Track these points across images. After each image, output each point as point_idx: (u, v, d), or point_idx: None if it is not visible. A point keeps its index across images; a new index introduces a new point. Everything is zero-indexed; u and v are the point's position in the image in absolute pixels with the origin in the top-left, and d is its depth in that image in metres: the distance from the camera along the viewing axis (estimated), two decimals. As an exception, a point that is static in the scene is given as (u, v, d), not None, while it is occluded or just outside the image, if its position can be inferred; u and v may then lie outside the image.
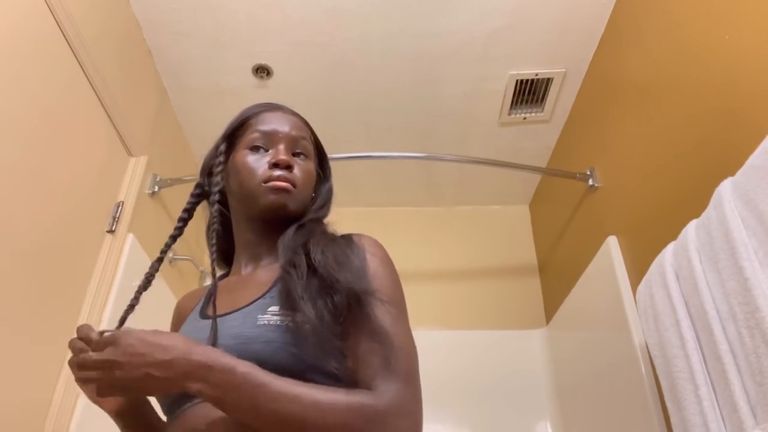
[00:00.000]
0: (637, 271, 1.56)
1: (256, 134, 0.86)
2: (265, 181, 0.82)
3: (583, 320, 1.93)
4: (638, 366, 1.45)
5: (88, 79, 1.63)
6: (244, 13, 1.89)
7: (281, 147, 0.85)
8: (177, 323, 0.91)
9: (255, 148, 0.85)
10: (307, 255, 0.74)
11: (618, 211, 1.77)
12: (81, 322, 1.52)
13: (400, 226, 2.67)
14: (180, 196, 2.18)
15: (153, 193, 1.97)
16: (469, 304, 2.44)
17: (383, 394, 0.64)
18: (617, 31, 1.86)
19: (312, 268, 0.72)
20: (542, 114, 2.25)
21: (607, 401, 1.69)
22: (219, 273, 0.89)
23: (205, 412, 0.66)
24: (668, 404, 1.11)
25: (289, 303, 0.70)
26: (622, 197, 1.76)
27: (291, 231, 0.81)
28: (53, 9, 1.46)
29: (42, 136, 1.42)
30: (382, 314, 0.70)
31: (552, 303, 2.31)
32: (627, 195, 1.72)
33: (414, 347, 0.72)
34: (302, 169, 0.86)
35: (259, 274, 0.81)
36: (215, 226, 0.84)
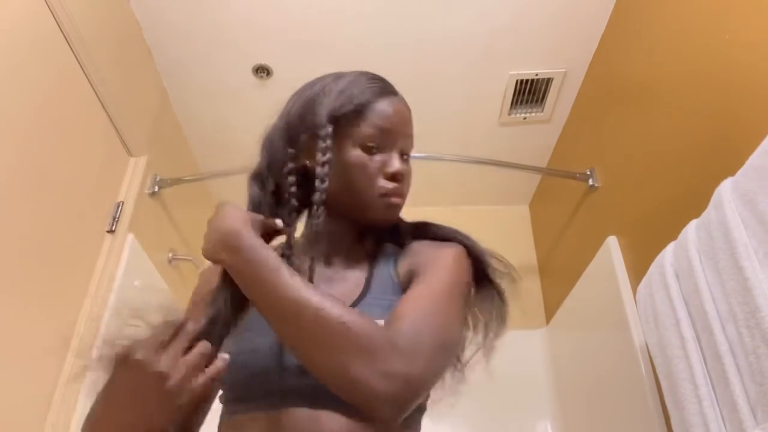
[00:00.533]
0: (637, 271, 1.56)
1: (372, 132, 0.77)
2: (382, 195, 0.77)
3: (583, 320, 1.93)
4: (638, 366, 1.45)
5: (87, 79, 1.63)
6: (244, 13, 1.89)
7: (396, 154, 0.79)
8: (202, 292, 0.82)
9: (368, 148, 0.77)
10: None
11: (618, 211, 1.77)
12: (81, 322, 1.53)
13: (400, 226, 2.66)
14: (180, 196, 2.18)
15: (153, 193, 1.97)
16: (469, 304, 2.43)
17: (409, 335, 0.63)
18: (617, 31, 1.86)
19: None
20: (542, 114, 2.24)
21: (607, 401, 1.69)
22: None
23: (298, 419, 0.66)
24: (668, 404, 1.11)
25: None
26: (622, 197, 1.76)
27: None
28: (53, 9, 1.46)
29: (42, 136, 1.42)
30: (446, 282, 0.72)
31: (552, 303, 2.31)
32: (627, 195, 1.72)
33: (456, 330, 0.72)
34: (407, 175, 0.81)
35: (345, 270, 0.80)
36: (320, 224, 0.73)
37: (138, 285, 1.76)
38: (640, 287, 1.27)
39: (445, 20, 1.92)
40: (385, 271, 0.80)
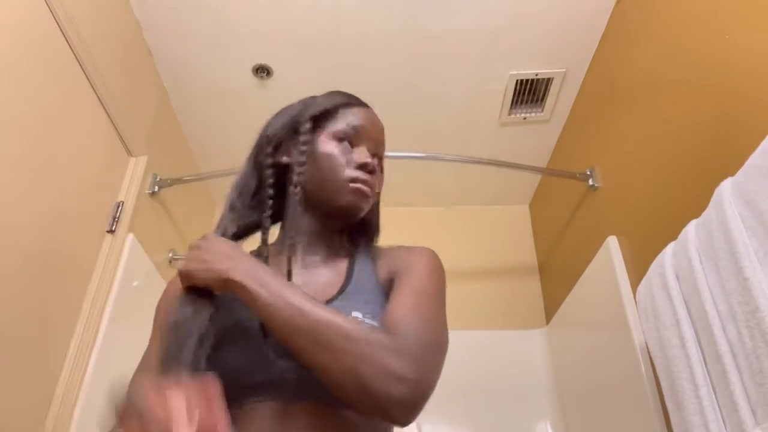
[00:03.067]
0: (637, 271, 1.56)
1: (347, 127, 0.85)
2: (351, 181, 0.82)
3: (583, 320, 1.93)
4: (638, 366, 1.45)
5: (88, 79, 1.63)
6: (244, 13, 1.89)
7: (367, 148, 0.86)
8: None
9: (341, 140, 0.85)
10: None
11: (618, 211, 1.77)
12: (81, 321, 1.53)
13: (399, 225, 2.66)
14: (180, 196, 2.18)
15: (153, 193, 1.97)
16: (469, 304, 2.43)
17: (409, 339, 0.65)
18: (617, 31, 1.86)
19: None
20: (542, 114, 2.25)
21: (607, 401, 1.69)
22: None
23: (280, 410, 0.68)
24: (668, 404, 1.11)
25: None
26: (622, 197, 1.76)
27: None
28: (53, 9, 1.46)
29: (42, 136, 1.42)
30: (430, 287, 0.75)
31: (552, 303, 2.31)
32: (627, 195, 1.72)
33: (446, 334, 0.73)
34: (379, 174, 0.88)
35: (321, 268, 0.83)
36: (297, 210, 0.81)
37: (137, 285, 1.76)
38: (640, 287, 1.27)
39: (445, 20, 1.92)
40: (365, 267, 0.83)
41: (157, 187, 1.97)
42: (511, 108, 2.22)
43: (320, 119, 0.86)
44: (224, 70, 2.08)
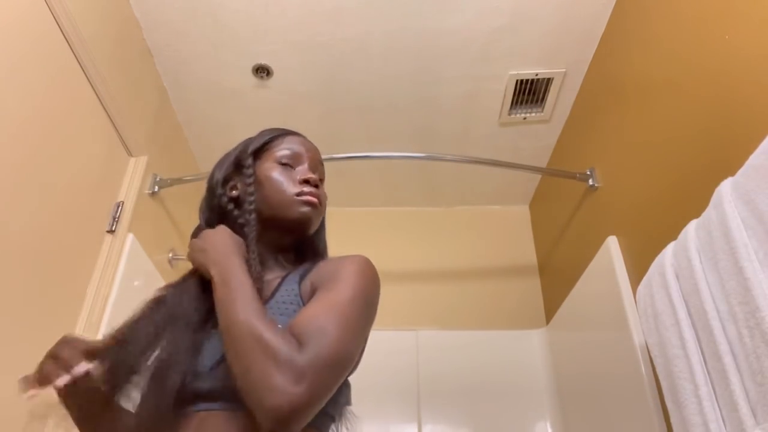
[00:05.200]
0: (637, 271, 1.56)
1: (286, 151, 0.94)
2: (298, 195, 0.90)
3: (583, 320, 1.93)
4: (638, 366, 1.45)
5: (88, 78, 1.63)
6: (244, 13, 1.89)
7: (307, 166, 0.94)
8: None
9: (283, 164, 0.93)
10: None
11: (618, 211, 1.77)
12: (81, 321, 1.53)
13: (400, 226, 2.67)
14: (180, 196, 2.18)
15: (153, 193, 1.97)
16: (469, 304, 2.44)
17: (306, 353, 0.66)
18: (617, 31, 1.86)
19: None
20: (542, 114, 2.25)
21: (607, 401, 1.69)
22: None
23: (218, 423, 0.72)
24: (668, 404, 1.11)
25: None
26: (622, 197, 1.76)
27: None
28: (53, 9, 1.46)
29: (42, 136, 1.42)
30: (346, 297, 0.75)
31: (552, 303, 2.31)
32: (627, 195, 1.72)
33: (350, 347, 0.71)
34: (323, 191, 0.96)
35: (266, 281, 0.87)
36: (253, 233, 0.88)
37: (137, 285, 1.76)
38: (640, 287, 1.27)
39: (445, 20, 1.92)
40: (291, 282, 0.85)
41: (157, 187, 1.97)
42: (511, 108, 2.22)
43: (260, 152, 0.96)
44: (224, 70, 2.08)
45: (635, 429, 1.48)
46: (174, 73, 2.10)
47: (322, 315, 0.71)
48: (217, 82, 2.12)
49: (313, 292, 0.79)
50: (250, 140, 0.99)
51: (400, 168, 2.52)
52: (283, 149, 0.95)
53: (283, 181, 0.91)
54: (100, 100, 1.69)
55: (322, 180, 0.98)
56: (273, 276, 0.88)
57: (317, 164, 0.98)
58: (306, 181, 0.91)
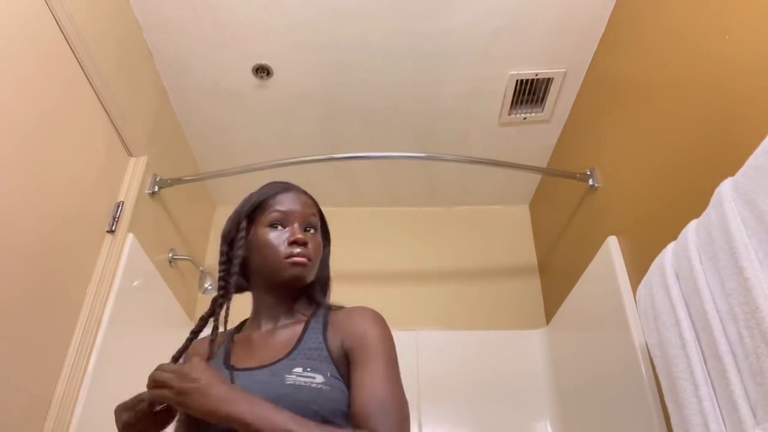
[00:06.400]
0: (637, 271, 1.56)
1: (276, 214, 1.01)
2: (287, 257, 0.97)
3: (583, 320, 1.93)
4: (638, 366, 1.45)
5: (88, 79, 1.63)
6: (244, 13, 1.89)
7: (296, 226, 1.01)
8: None
9: (274, 226, 1.01)
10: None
11: (618, 211, 1.77)
12: (81, 321, 1.53)
13: (400, 226, 2.67)
14: (180, 196, 2.19)
15: (153, 193, 1.97)
16: (469, 304, 2.44)
17: (383, 427, 0.78)
18: (617, 32, 1.86)
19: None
20: (542, 114, 2.25)
21: (607, 401, 1.69)
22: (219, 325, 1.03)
23: None
24: (668, 404, 1.11)
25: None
26: (622, 197, 1.76)
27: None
28: (53, 9, 1.46)
29: (42, 136, 1.42)
30: (380, 369, 0.86)
31: (552, 303, 2.31)
32: (627, 195, 1.72)
33: (405, 400, 0.85)
34: (313, 242, 1.02)
35: (280, 334, 0.97)
36: (231, 292, 0.98)
37: (137, 285, 1.76)
38: (640, 287, 1.27)
39: (445, 20, 1.92)
40: (314, 332, 0.95)
41: (157, 187, 1.98)
42: (511, 108, 2.22)
43: (254, 214, 1.03)
44: (224, 70, 2.08)
45: (635, 429, 1.48)
46: (174, 73, 2.10)
47: (378, 390, 0.83)
48: (217, 82, 2.12)
49: (342, 350, 0.90)
50: (249, 198, 1.07)
51: (400, 168, 2.52)
52: (274, 211, 1.02)
53: (274, 245, 0.99)
54: (100, 100, 1.69)
55: (316, 228, 1.05)
56: (290, 321, 0.99)
57: (308, 218, 1.04)
58: (294, 242, 0.98)
